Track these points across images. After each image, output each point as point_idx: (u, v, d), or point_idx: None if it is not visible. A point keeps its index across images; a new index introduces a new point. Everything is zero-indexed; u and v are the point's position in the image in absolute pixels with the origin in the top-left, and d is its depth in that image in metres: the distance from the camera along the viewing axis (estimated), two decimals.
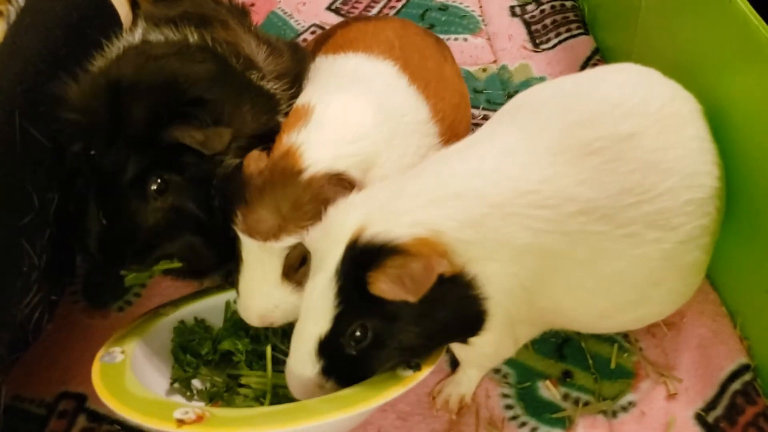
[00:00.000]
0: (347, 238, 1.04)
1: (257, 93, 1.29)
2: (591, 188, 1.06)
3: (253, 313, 1.23)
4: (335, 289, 1.03)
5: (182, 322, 1.36)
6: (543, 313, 1.15)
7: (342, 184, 1.19)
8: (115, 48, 1.32)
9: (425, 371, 1.13)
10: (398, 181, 1.14)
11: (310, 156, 1.19)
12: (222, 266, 1.35)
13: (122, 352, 1.20)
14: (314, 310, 1.06)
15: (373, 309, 1.02)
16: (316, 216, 1.13)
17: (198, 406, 1.05)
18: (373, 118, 1.28)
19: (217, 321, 1.39)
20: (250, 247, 1.19)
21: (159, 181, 1.17)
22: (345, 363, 1.06)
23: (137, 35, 1.35)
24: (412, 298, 0.98)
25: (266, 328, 1.32)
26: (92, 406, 1.34)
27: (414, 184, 1.10)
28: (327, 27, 2.17)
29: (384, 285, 0.98)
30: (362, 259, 1.02)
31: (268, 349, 1.27)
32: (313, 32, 2.19)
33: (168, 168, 1.17)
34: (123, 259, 1.19)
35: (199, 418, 0.99)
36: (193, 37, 1.33)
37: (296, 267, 1.21)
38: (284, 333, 1.34)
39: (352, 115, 1.27)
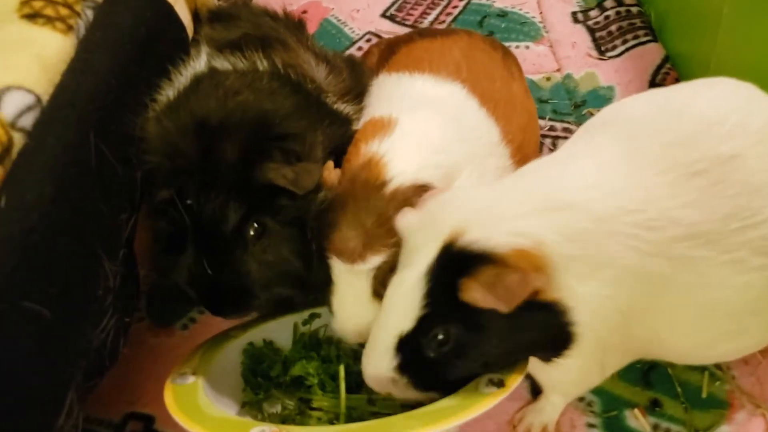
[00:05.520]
0: (444, 238, 1.01)
1: (334, 117, 1.27)
2: (696, 211, 1.01)
3: (349, 334, 1.22)
4: (424, 289, 1.01)
5: (251, 344, 1.34)
6: (637, 342, 1.10)
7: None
8: (182, 76, 1.29)
9: (509, 388, 1.08)
10: (501, 184, 1.11)
11: (395, 166, 1.15)
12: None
13: (193, 374, 1.19)
14: (399, 306, 1.03)
15: (459, 316, 1.00)
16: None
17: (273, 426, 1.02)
18: (455, 134, 1.26)
19: (285, 342, 1.36)
20: (339, 269, 1.17)
21: (256, 225, 1.14)
22: (422, 364, 1.04)
23: (202, 61, 1.32)
24: (504, 308, 0.95)
25: (338, 349, 1.30)
26: (160, 427, 1.32)
27: (518, 190, 1.07)
28: (382, 35, 2.14)
29: (476, 293, 0.96)
30: (457, 264, 0.99)
31: (341, 370, 1.23)
32: (368, 40, 2.14)
33: (262, 211, 1.14)
34: (228, 312, 1.20)
35: None
36: (262, 64, 1.29)
37: (386, 281, 1.17)
38: (356, 354, 1.30)
39: (436, 129, 1.25)
